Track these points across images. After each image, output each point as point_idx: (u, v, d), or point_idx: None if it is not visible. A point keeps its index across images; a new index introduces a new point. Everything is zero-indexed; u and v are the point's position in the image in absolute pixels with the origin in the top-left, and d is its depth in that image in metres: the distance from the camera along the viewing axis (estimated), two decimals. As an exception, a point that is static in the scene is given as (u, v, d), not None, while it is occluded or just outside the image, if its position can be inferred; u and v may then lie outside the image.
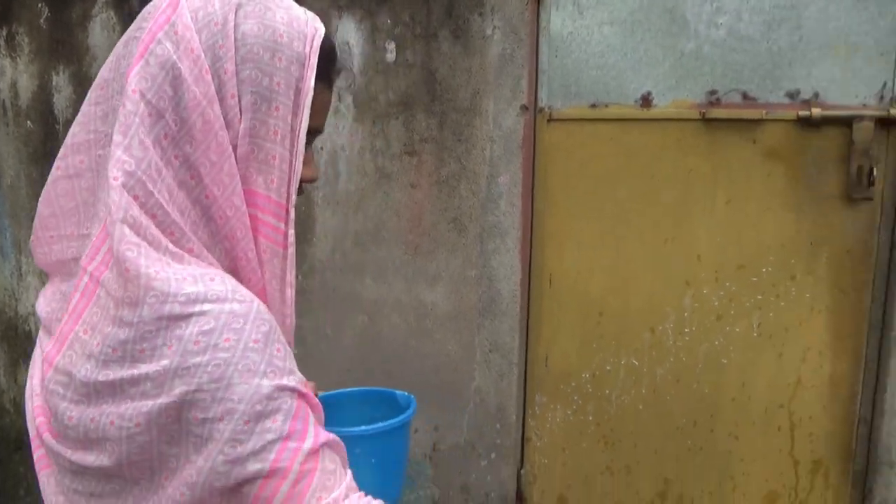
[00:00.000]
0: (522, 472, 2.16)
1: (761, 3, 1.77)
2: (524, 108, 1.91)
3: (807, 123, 1.76)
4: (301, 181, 0.75)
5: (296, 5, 0.75)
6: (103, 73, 0.72)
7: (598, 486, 2.11)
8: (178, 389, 0.61)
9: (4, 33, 2.48)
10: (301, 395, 0.67)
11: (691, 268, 1.92)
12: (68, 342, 0.65)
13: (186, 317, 0.61)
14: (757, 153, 1.83)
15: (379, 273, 2.10)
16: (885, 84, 1.72)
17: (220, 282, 0.65)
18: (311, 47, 0.72)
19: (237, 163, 0.69)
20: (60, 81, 2.41)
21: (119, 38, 1.99)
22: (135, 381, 0.61)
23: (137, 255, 0.62)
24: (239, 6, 0.70)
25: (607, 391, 2.05)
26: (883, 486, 1.80)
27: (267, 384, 0.63)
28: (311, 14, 0.76)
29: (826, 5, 1.74)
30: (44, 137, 2.47)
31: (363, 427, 0.93)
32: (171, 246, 0.65)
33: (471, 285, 2.02)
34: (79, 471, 0.66)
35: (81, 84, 2.39)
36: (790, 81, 1.78)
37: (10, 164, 2.54)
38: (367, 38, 2.02)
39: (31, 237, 0.77)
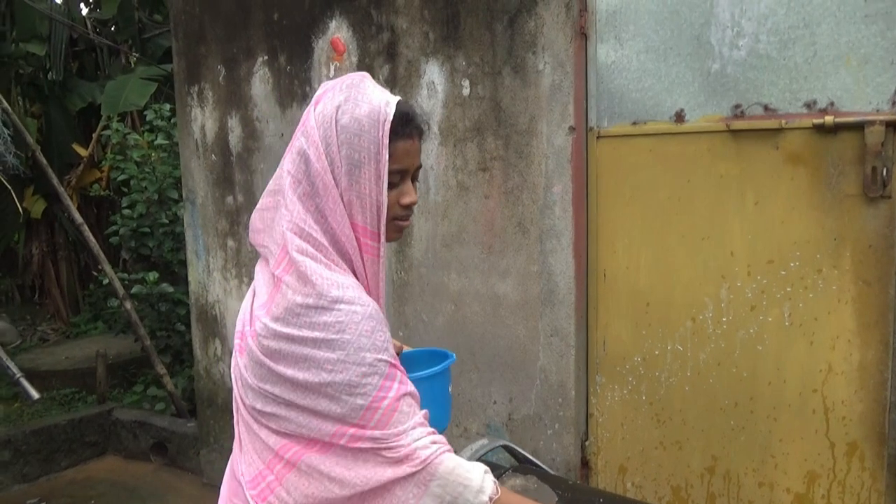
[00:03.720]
0: (587, 443, 2.48)
1: (777, 24, 1.98)
2: (571, 128, 2.26)
3: (822, 130, 1.93)
4: (404, 207, 1.20)
5: (377, 96, 1.13)
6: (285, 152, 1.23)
7: (653, 460, 2.38)
8: (323, 352, 1.08)
9: (196, 89, 3.28)
10: (392, 365, 1.13)
11: (726, 262, 2.15)
12: (269, 309, 1.14)
13: (330, 309, 1.09)
14: (780, 158, 2.02)
15: (462, 269, 2.55)
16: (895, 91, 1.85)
17: (352, 290, 1.12)
18: (383, 131, 1.11)
19: (345, 207, 1.13)
20: (233, 123, 3.15)
21: (271, 88, 2.73)
22: (300, 338, 1.09)
23: (306, 268, 1.11)
24: (338, 107, 1.12)
25: (657, 373, 2.32)
26: (913, 469, 1.90)
27: (370, 356, 1.10)
28: (385, 98, 1.13)
29: (837, 23, 1.90)
30: (223, 167, 3.23)
31: (414, 374, 1.36)
32: (322, 258, 1.13)
33: (533, 279, 2.39)
34: (271, 372, 1.14)
35: (248, 125, 3.11)
36: (807, 93, 1.96)
37: (201, 187, 3.34)
38: (448, 77, 2.48)
39: (249, 235, 1.31)
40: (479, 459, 1.44)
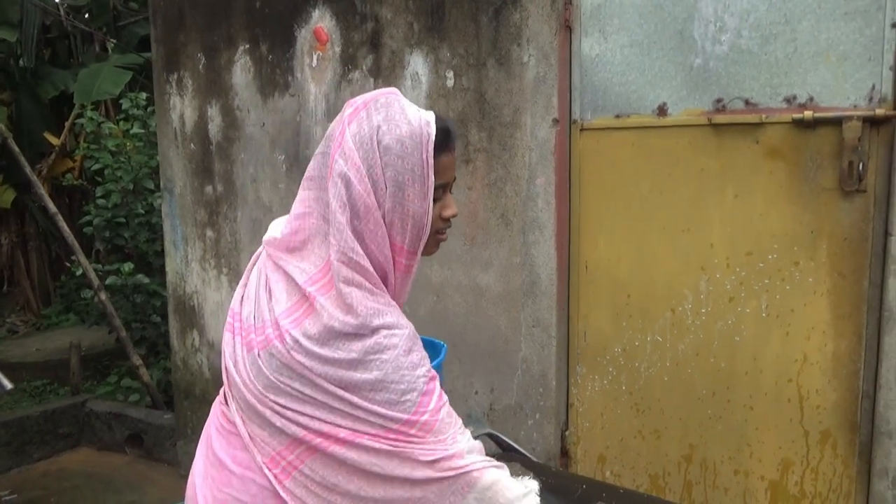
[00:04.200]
0: (567, 433, 2.51)
1: (759, 20, 2.01)
2: (555, 121, 2.28)
3: (802, 125, 1.97)
4: (445, 220, 1.21)
5: (413, 114, 1.12)
6: (311, 172, 1.21)
7: (632, 449, 2.41)
8: (360, 373, 1.08)
9: (175, 77, 3.23)
10: (430, 379, 1.12)
11: (705, 255, 2.18)
12: (300, 323, 1.12)
13: (371, 335, 1.08)
14: (760, 153, 2.06)
15: (444, 260, 2.55)
16: (873, 86, 1.89)
17: (391, 315, 1.11)
18: (427, 151, 1.10)
19: (387, 228, 1.11)
20: (213, 112, 3.11)
21: (252, 77, 2.68)
22: (336, 360, 1.08)
23: (352, 299, 1.09)
24: (378, 127, 1.11)
25: (636, 363, 2.35)
26: (883, 456, 1.96)
27: (409, 374, 1.09)
28: (424, 117, 1.13)
29: (817, 19, 1.94)
30: (202, 156, 3.19)
31: None
32: (367, 285, 1.12)
33: (516, 270, 2.41)
34: (302, 377, 1.12)
35: (228, 114, 3.07)
36: (787, 88, 2.00)
37: (180, 177, 3.30)
38: (432, 68, 2.48)
39: (265, 238, 1.28)
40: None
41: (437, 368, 1.49)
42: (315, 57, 2.76)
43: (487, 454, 1.47)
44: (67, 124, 6.76)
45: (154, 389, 4.15)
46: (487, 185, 2.42)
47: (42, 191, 4.46)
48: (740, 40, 2.05)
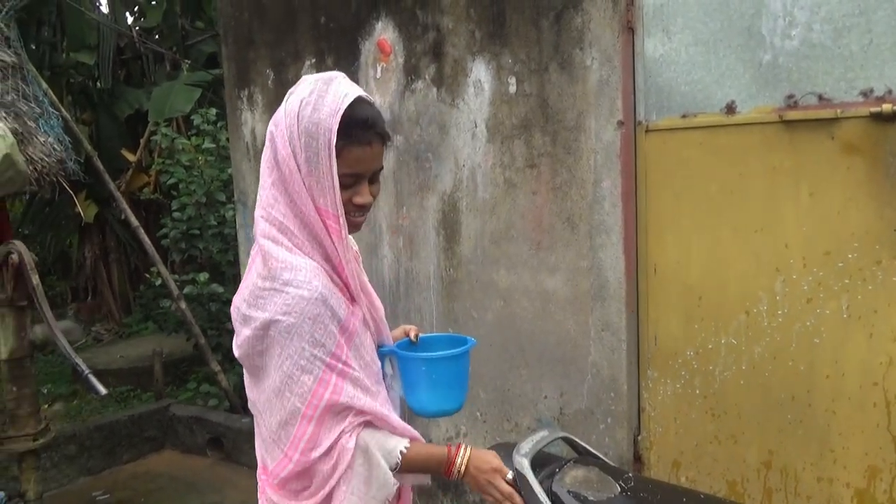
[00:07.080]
0: (640, 438, 2.48)
1: (831, 13, 1.95)
2: (620, 123, 2.26)
3: (880, 118, 1.90)
4: (357, 206, 1.26)
5: (342, 92, 1.19)
6: None
7: (708, 454, 2.36)
8: (270, 331, 1.18)
9: (246, 93, 3.36)
10: (327, 365, 1.20)
11: (780, 255, 2.12)
12: (241, 291, 1.26)
13: (280, 292, 1.18)
14: (835, 149, 1.99)
15: (511, 265, 2.57)
16: (958, 76, 1.81)
17: (304, 273, 1.18)
18: (334, 119, 1.17)
19: (308, 191, 1.20)
20: (282, 127, 3.22)
21: None
22: (253, 317, 1.19)
23: (267, 251, 1.20)
24: (302, 101, 1.20)
25: (710, 367, 2.30)
26: (980, 463, 1.86)
27: (308, 350, 1.18)
28: (345, 91, 1.19)
29: (894, 9, 1.87)
30: (272, 169, 3.30)
31: (424, 354, 1.42)
32: (285, 241, 1.21)
33: (583, 274, 2.40)
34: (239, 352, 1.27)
35: (296, 127, 3.17)
36: (863, 81, 1.93)
37: (252, 189, 3.42)
38: (494, 75, 2.50)
39: None
40: (540, 451, 1.46)
41: (462, 356, 1.46)
42: (379, 68, 2.83)
43: (563, 457, 1.49)
44: (143, 141, 7.08)
45: (232, 394, 4.31)
46: (552, 190, 2.43)
47: (125, 205, 4.70)
48: (811, 34, 1.99)
